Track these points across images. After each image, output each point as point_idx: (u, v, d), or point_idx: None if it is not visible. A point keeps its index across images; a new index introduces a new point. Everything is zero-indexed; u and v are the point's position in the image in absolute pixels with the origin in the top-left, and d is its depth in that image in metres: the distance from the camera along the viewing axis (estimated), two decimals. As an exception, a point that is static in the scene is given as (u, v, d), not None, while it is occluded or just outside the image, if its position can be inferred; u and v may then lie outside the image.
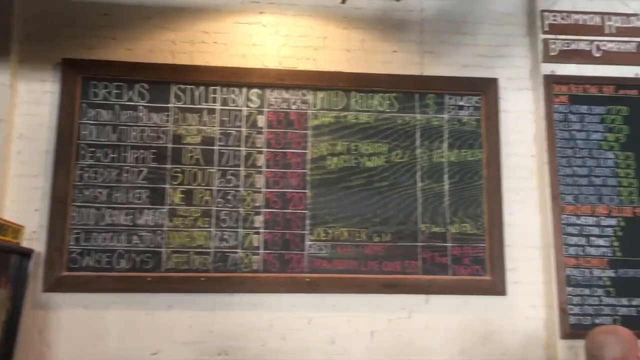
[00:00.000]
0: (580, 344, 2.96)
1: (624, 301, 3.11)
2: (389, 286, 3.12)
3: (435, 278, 3.16)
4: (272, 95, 3.27)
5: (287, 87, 3.27)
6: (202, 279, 3.03)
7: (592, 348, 2.48)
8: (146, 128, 3.17)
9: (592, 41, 3.37)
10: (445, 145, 3.31)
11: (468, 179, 3.29)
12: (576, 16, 3.39)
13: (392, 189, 3.24)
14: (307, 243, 3.15)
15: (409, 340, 3.11)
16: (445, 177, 3.28)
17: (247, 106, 3.24)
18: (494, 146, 3.30)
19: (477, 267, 3.20)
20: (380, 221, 3.20)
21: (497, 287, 3.16)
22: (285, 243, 3.14)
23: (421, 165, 3.28)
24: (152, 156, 3.15)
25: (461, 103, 3.35)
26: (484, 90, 3.35)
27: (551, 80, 3.31)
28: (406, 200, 3.24)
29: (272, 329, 3.04)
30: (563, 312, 3.08)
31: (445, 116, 3.34)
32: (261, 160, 3.21)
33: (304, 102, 3.28)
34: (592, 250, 3.16)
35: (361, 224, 3.19)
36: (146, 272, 3.03)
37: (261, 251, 3.12)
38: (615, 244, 3.18)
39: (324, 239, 3.16)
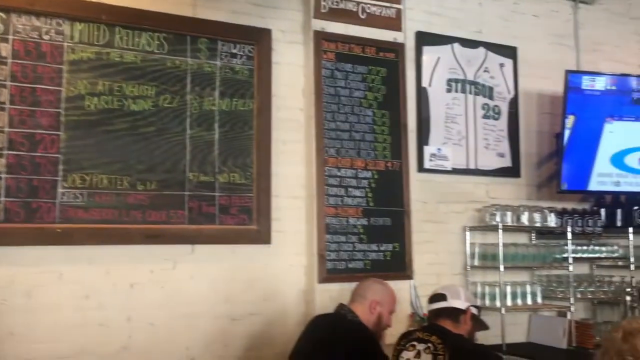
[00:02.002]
0: (334, 287, 3.22)
1: (374, 247, 3.40)
2: (153, 237, 2.98)
3: (202, 228, 3.10)
4: (20, 22, 2.84)
5: (38, 14, 2.87)
6: None
7: (359, 288, 2.72)
8: None
9: (358, 3, 3.53)
10: (217, 93, 3.23)
11: (239, 128, 3.26)
12: (345, -24, 3.53)
13: (160, 135, 3.07)
14: (60, 190, 2.84)
15: (173, 290, 3.03)
16: (216, 125, 3.21)
17: (-13, 31, 2.78)
18: (265, 97, 3.31)
19: (244, 216, 3.22)
20: (146, 168, 3.02)
21: (262, 236, 3.22)
22: (33, 190, 2.79)
23: (191, 112, 3.16)
24: None
25: (234, 51, 3.29)
26: (257, 40, 3.33)
27: (320, 37, 3.41)
28: (174, 147, 3.10)
29: (13, 286, 2.71)
30: (321, 259, 3.26)
31: (218, 63, 3.25)
32: (4, 95, 2.78)
33: (59, 32, 2.91)
34: (349, 201, 3.38)
35: (124, 171, 2.98)
36: None
37: (2, 199, 2.73)
38: (369, 195, 3.44)
39: (80, 186, 2.88)
